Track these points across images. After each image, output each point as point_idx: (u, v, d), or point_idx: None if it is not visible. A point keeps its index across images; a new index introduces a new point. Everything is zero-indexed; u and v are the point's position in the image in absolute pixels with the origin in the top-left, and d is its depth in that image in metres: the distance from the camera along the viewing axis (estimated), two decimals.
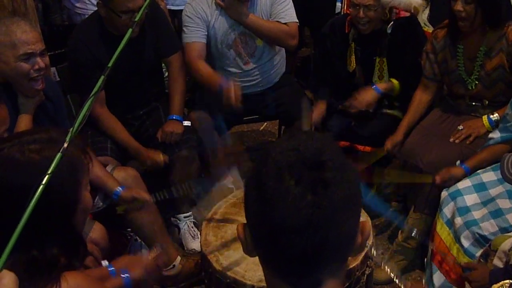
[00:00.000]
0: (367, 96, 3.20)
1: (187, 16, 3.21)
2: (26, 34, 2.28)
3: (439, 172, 2.67)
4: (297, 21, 3.30)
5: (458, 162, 2.71)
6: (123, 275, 1.90)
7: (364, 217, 2.29)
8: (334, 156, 0.94)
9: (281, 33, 3.24)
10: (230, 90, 2.94)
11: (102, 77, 0.97)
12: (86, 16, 3.28)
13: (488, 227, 2.39)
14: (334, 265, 0.96)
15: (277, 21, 3.23)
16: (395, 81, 3.20)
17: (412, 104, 3.11)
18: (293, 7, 3.29)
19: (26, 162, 1.19)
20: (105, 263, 2.12)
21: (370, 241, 2.17)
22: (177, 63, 3.20)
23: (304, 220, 0.89)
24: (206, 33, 3.20)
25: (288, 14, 3.26)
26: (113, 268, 1.97)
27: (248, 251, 1.02)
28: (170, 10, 3.93)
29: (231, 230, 2.31)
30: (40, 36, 2.37)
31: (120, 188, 2.62)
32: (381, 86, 3.22)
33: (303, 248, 0.90)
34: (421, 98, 3.10)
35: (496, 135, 2.67)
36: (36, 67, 2.33)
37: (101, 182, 2.61)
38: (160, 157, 3.02)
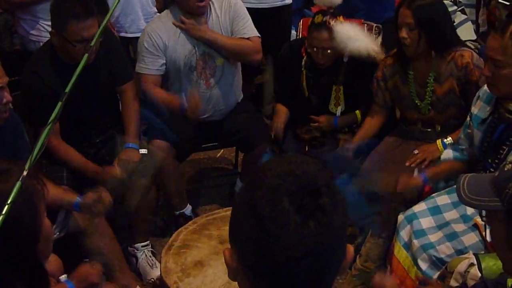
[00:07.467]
0: (325, 123, 3.29)
1: (143, 45, 3.17)
2: None
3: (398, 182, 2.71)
4: (259, 35, 3.29)
5: (416, 171, 2.75)
6: None
7: None
8: (327, 181, 0.94)
9: (245, 47, 3.23)
10: (193, 102, 3.05)
11: (60, 103, 0.95)
12: (41, 43, 3.23)
13: (444, 250, 2.43)
14: None
15: (240, 37, 3.23)
16: (357, 113, 3.26)
17: (362, 128, 3.18)
18: (252, 23, 3.28)
19: None
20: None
21: None
22: (130, 92, 3.15)
23: (307, 248, 0.88)
24: (164, 61, 3.19)
25: (250, 29, 3.26)
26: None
27: (233, 277, 0.99)
28: (124, 38, 3.90)
29: (191, 257, 2.28)
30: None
31: (79, 198, 2.55)
32: (341, 121, 3.29)
33: (304, 276, 0.89)
34: (371, 122, 3.17)
35: (448, 155, 2.73)
36: (4, 101, 2.24)
37: (58, 200, 2.53)
38: (116, 170, 2.91)
